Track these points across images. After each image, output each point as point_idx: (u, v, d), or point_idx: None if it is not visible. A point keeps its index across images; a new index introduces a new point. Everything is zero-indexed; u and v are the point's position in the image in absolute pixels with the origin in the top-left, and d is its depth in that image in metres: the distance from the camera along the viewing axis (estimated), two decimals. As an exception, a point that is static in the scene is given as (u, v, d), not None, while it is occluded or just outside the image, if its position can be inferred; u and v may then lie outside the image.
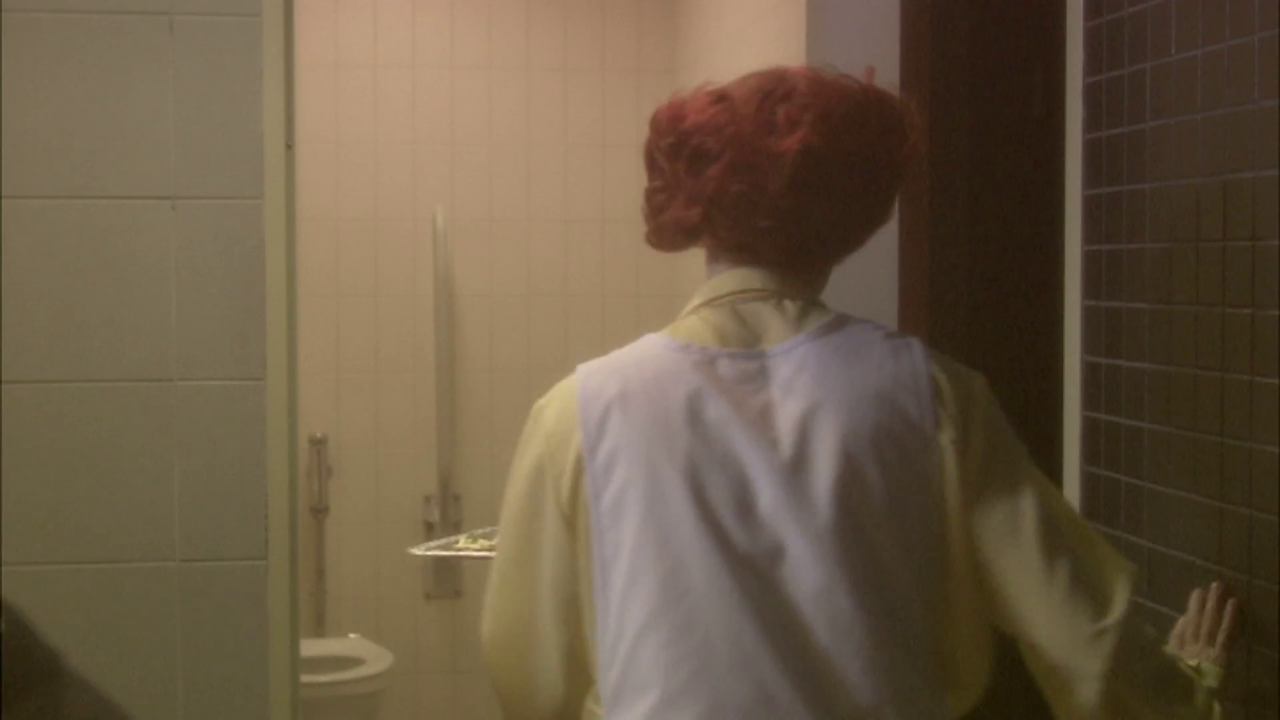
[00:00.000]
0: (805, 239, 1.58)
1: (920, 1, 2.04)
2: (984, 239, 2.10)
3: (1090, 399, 1.95)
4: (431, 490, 4.74)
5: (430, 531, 4.76)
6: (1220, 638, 1.59)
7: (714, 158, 1.55)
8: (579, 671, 1.56)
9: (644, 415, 1.51)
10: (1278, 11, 1.57)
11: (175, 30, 2.34)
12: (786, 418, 1.50)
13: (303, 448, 4.59)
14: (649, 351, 1.57)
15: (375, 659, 4.42)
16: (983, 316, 2.11)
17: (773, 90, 1.56)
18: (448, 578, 4.81)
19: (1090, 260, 1.94)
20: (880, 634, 1.45)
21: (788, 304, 1.57)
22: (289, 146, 2.41)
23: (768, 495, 1.47)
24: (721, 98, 1.57)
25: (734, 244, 1.59)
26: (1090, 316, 1.95)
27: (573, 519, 1.53)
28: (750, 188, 1.54)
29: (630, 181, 4.77)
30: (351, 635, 4.72)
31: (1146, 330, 1.82)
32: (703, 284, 1.63)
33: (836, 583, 1.45)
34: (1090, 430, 1.95)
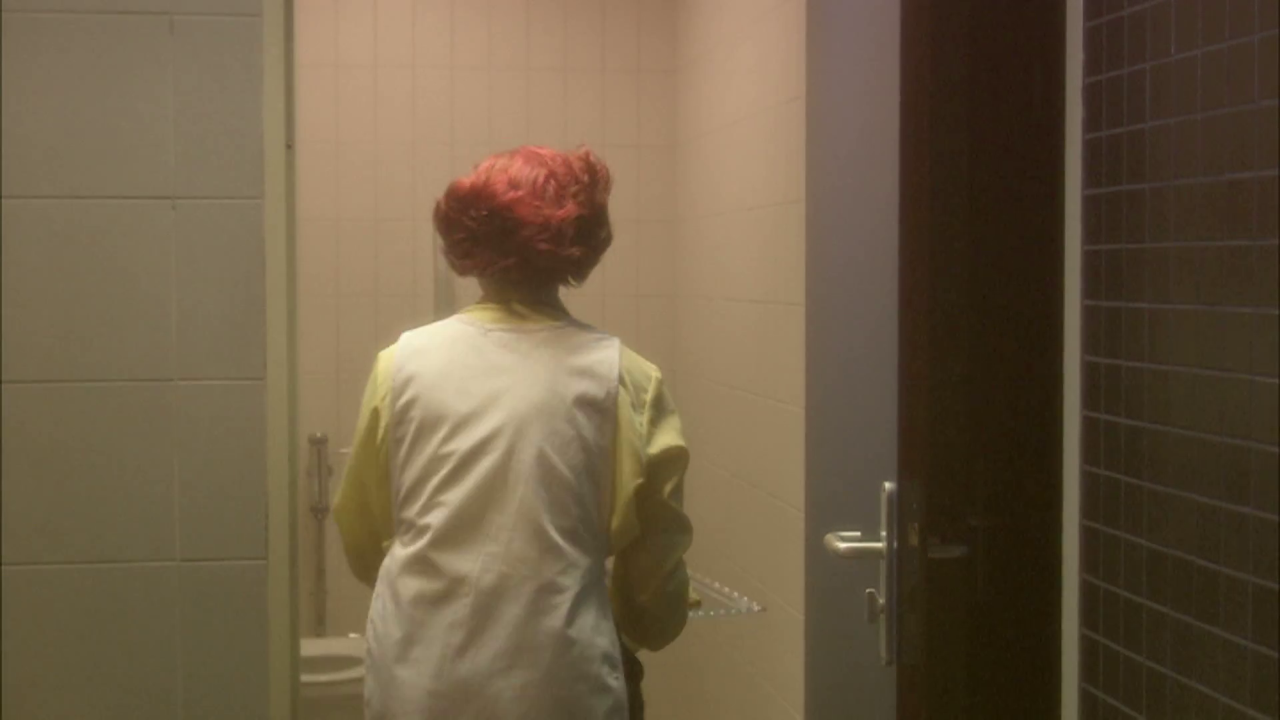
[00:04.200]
0: (560, 271, 2.45)
1: (920, 1, 2.04)
2: (984, 239, 2.10)
3: (1090, 399, 1.95)
4: (431, 490, 4.74)
5: (430, 531, 4.77)
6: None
7: (522, 226, 2.37)
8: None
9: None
10: (1278, 11, 1.57)
11: (175, 30, 2.35)
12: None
13: (303, 448, 4.59)
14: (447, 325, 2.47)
15: (375, 659, 4.41)
16: (983, 316, 2.11)
17: (543, 176, 2.43)
18: (448, 578, 4.81)
19: (1090, 260, 1.94)
20: (548, 499, 2.29)
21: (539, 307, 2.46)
22: (289, 146, 2.41)
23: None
24: (514, 185, 2.39)
25: (521, 274, 2.43)
26: (1090, 316, 1.95)
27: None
28: (551, 245, 2.38)
29: (630, 182, 4.77)
30: (352, 635, 4.72)
31: (1146, 330, 1.82)
32: (488, 303, 2.49)
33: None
34: (1090, 430, 1.95)
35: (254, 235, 2.37)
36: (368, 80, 4.73)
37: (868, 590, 2.19)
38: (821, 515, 2.81)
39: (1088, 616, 1.95)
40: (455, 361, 2.36)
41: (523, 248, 2.37)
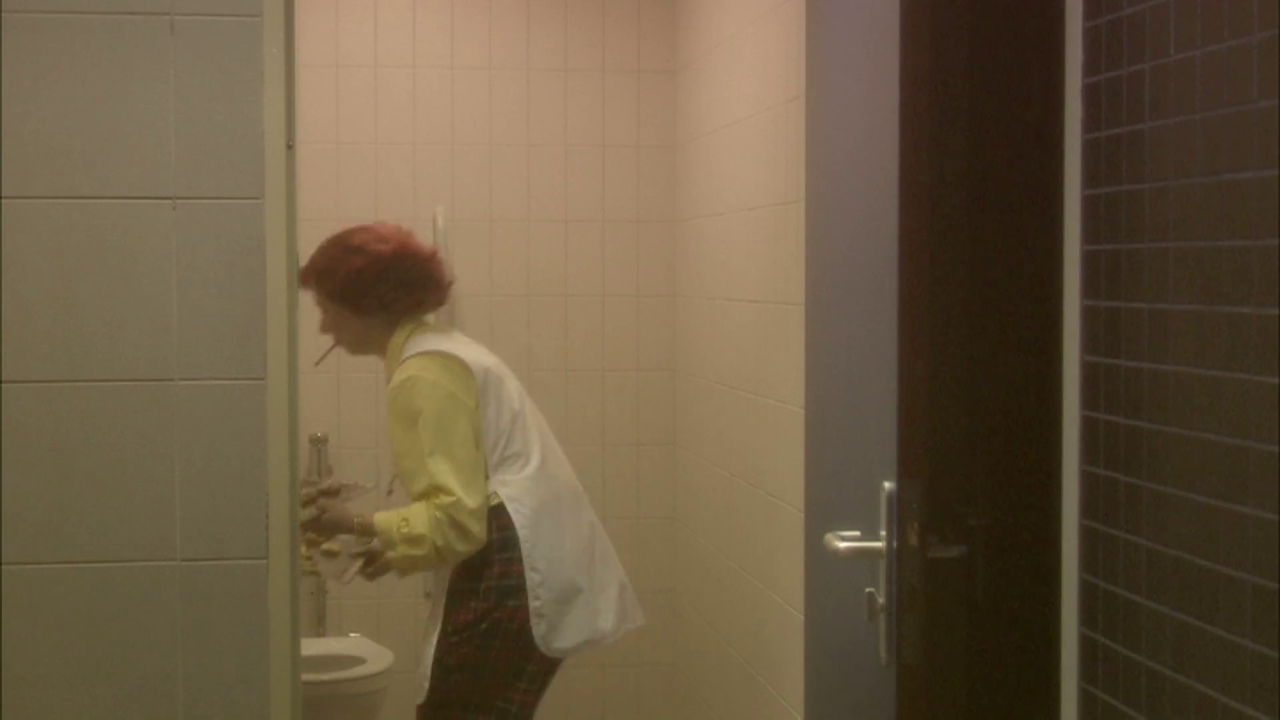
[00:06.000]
0: None
1: (920, 1, 2.04)
2: (984, 239, 2.10)
3: (1090, 399, 1.95)
4: (431, 490, 4.73)
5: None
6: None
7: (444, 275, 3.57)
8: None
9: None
10: (1278, 11, 1.57)
11: (175, 30, 2.35)
12: None
13: (303, 448, 4.59)
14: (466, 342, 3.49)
15: (376, 658, 4.42)
16: (983, 316, 2.11)
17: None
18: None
19: (1089, 260, 1.94)
20: None
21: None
22: (289, 146, 2.41)
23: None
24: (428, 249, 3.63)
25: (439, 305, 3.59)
26: (1090, 316, 1.95)
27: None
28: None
29: (630, 182, 4.78)
30: (352, 634, 4.72)
31: (1146, 330, 1.82)
32: (428, 327, 3.51)
33: None
34: (1090, 430, 1.95)
35: (254, 235, 2.37)
36: (368, 80, 4.73)
37: (867, 590, 2.20)
38: (821, 515, 2.81)
39: (1087, 616, 1.95)
40: (483, 354, 3.42)
41: (445, 287, 3.57)
